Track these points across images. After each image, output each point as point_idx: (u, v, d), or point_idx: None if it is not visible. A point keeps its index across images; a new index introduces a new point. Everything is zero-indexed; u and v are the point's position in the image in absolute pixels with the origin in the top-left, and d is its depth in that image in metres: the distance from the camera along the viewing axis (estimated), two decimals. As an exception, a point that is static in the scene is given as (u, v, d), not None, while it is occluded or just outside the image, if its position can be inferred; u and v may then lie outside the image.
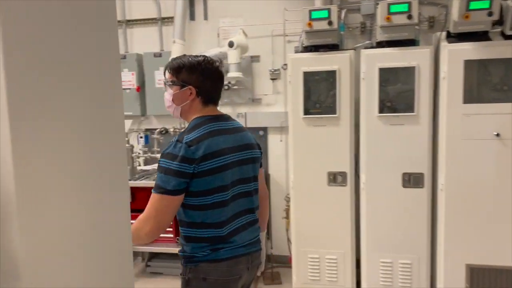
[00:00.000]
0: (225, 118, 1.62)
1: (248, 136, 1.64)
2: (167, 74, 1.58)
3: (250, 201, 1.62)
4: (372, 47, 2.91)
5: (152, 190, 1.46)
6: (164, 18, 3.76)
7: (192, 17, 3.70)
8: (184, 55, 1.61)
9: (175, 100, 1.57)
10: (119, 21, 3.71)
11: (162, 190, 1.43)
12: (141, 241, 1.48)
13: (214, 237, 1.50)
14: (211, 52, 3.24)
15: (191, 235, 1.52)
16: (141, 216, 1.48)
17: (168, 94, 1.58)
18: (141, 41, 3.84)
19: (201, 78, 1.54)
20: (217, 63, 1.59)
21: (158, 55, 3.69)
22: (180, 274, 1.56)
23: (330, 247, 2.97)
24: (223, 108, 3.08)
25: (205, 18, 3.68)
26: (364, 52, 2.80)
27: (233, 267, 1.52)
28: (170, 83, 1.57)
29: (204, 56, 1.58)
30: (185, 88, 1.54)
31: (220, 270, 1.51)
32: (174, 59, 1.59)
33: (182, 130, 1.60)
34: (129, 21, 3.85)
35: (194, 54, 1.60)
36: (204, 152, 1.45)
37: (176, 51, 3.31)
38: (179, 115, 1.61)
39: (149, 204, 1.46)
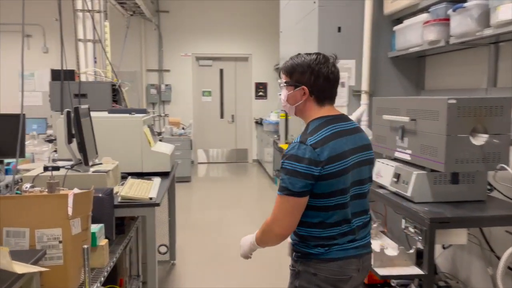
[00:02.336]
0: (344, 118, 1.62)
1: (365, 137, 1.65)
2: (282, 76, 1.63)
3: (364, 203, 1.64)
4: None
5: (278, 192, 1.51)
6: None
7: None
8: (298, 54, 1.62)
9: (289, 100, 1.61)
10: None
11: (288, 192, 1.46)
12: (270, 243, 1.58)
13: (329, 236, 1.53)
14: None
15: (307, 234, 1.55)
16: (269, 219, 1.54)
17: (283, 95, 1.62)
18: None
19: (312, 77, 1.55)
20: (331, 60, 1.58)
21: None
22: (290, 266, 1.63)
23: None
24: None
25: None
26: None
27: (344, 267, 1.54)
28: (285, 84, 1.61)
29: (317, 54, 1.58)
30: (298, 88, 1.57)
31: (331, 268, 1.53)
32: (288, 60, 1.62)
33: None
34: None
35: (309, 52, 1.60)
36: (329, 154, 1.46)
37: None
38: (294, 114, 1.65)
39: (276, 206, 1.51)
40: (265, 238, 1.60)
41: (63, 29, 2.88)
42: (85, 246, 1.62)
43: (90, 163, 2.26)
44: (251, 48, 8.92)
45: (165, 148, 3.09)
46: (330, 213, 1.51)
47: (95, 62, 4.86)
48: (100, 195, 2.06)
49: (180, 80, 8.78)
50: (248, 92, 9.15)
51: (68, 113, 2.21)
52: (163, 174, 2.89)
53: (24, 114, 2.67)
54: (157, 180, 2.64)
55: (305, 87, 1.56)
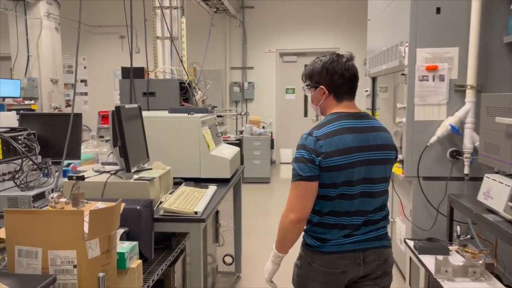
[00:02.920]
0: (360, 116, 1.66)
1: (383, 137, 1.67)
2: (305, 79, 1.74)
3: (376, 202, 1.65)
4: None
5: (291, 180, 1.60)
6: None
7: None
8: (316, 58, 1.71)
9: (313, 100, 1.72)
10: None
11: (299, 177, 1.57)
12: (288, 232, 1.62)
13: (325, 223, 1.62)
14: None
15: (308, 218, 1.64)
16: (284, 209, 1.61)
17: (309, 97, 1.74)
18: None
19: (328, 76, 1.64)
20: (345, 58, 1.65)
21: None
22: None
23: None
24: None
25: None
26: None
27: (335, 261, 1.62)
28: (307, 87, 1.72)
29: (331, 54, 1.67)
30: (318, 89, 1.67)
31: (324, 261, 1.62)
32: (308, 66, 1.73)
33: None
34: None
35: (323, 56, 1.69)
36: (329, 148, 1.55)
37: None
38: (321, 113, 1.75)
39: (290, 193, 1.60)
40: (284, 232, 1.63)
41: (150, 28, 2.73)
42: (101, 275, 1.35)
43: (134, 169, 2.02)
44: (338, 42, 8.33)
45: (227, 151, 2.78)
46: (329, 203, 1.60)
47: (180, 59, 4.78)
48: (138, 207, 1.81)
49: (263, 77, 8.53)
50: (334, 89, 8.57)
51: (113, 113, 1.99)
52: (224, 181, 2.59)
53: (80, 114, 2.57)
54: (212, 189, 2.34)
55: (323, 86, 1.65)
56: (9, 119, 2.23)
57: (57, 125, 2.43)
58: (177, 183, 2.42)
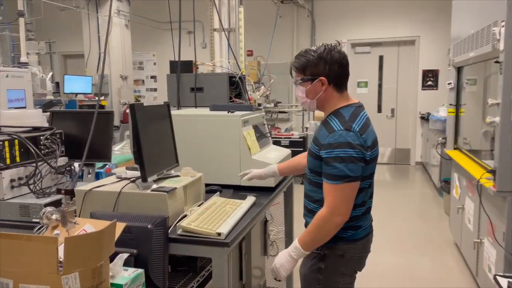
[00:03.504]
0: (363, 106, 1.69)
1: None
2: (294, 74, 1.66)
3: (372, 188, 1.73)
4: None
5: (332, 181, 1.53)
6: None
7: None
8: (305, 50, 1.64)
9: (309, 94, 1.64)
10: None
11: (349, 178, 1.51)
12: (328, 235, 1.58)
13: (356, 216, 1.63)
14: None
15: None
16: (324, 212, 1.55)
17: (300, 91, 1.65)
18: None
19: (327, 66, 1.58)
20: (338, 47, 1.62)
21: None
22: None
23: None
24: None
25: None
26: None
27: (365, 245, 1.71)
28: (300, 81, 1.64)
29: (322, 44, 1.62)
30: (315, 81, 1.60)
31: (357, 247, 1.66)
32: (296, 58, 1.65)
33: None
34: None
35: (312, 48, 1.63)
36: (370, 140, 1.56)
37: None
38: (316, 108, 1.68)
39: (333, 196, 1.54)
40: (322, 234, 1.58)
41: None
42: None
43: (153, 177, 1.73)
44: (419, 30, 7.50)
45: (273, 155, 2.40)
46: (362, 194, 1.62)
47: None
48: (149, 226, 1.51)
49: (333, 70, 7.97)
50: (413, 82, 7.76)
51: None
52: (269, 190, 2.23)
53: (112, 112, 2.35)
54: (249, 200, 1.98)
55: (322, 78, 1.59)
56: (34, 117, 2.06)
57: (90, 124, 2.21)
58: (212, 191, 2.11)
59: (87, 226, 1.23)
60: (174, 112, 2.08)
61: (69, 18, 7.67)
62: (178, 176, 1.92)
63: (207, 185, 2.22)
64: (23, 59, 5.55)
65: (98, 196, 1.69)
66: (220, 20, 4.14)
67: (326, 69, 1.58)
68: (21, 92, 4.97)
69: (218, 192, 2.07)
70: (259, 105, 3.63)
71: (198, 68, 3.37)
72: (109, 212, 1.60)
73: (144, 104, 1.73)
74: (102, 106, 7.00)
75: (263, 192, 2.19)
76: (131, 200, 1.66)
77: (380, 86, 8.03)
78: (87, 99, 6.91)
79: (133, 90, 7.95)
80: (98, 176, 2.35)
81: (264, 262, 3.02)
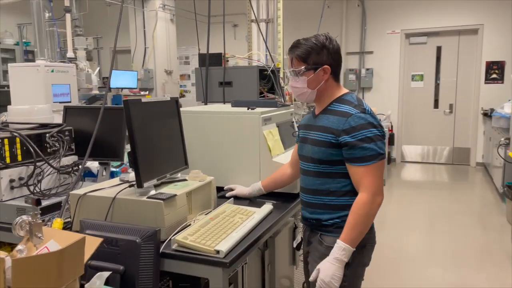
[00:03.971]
0: None
1: None
2: (296, 63, 1.58)
3: None
4: None
5: (365, 163, 1.49)
6: None
7: None
8: (306, 38, 1.58)
9: (310, 84, 1.58)
10: None
11: (381, 156, 1.51)
12: (373, 216, 1.55)
13: None
14: None
15: (342, 203, 1.57)
16: (364, 197, 1.50)
17: (301, 82, 1.58)
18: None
19: (330, 55, 1.56)
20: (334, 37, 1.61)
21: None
22: (320, 243, 1.62)
23: None
24: None
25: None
26: None
27: (375, 233, 1.69)
28: (304, 70, 1.56)
29: (321, 34, 1.58)
30: (318, 70, 1.56)
31: (372, 236, 1.66)
32: (295, 47, 1.58)
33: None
34: None
35: (308, 37, 1.59)
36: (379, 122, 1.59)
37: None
38: (313, 99, 1.63)
39: (371, 177, 1.50)
40: (368, 221, 1.54)
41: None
42: None
43: (149, 183, 1.55)
44: (482, 17, 6.80)
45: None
46: None
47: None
48: (137, 240, 1.32)
49: (384, 62, 7.47)
50: (475, 75, 7.07)
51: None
52: (292, 196, 1.98)
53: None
54: (265, 209, 1.75)
55: (326, 67, 1.56)
56: (43, 114, 1.96)
57: (106, 120, 2.07)
58: (226, 197, 1.90)
59: (51, 242, 1.06)
60: (184, 109, 1.89)
61: (116, 13, 7.81)
62: (185, 180, 1.73)
63: (222, 189, 2.02)
64: (69, 54, 5.68)
65: (92, 201, 1.53)
66: (253, 10, 3.91)
67: (330, 58, 1.55)
68: (66, 86, 5.05)
69: (232, 199, 1.85)
70: (294, 100, 3.36)
71: (228, 61, 3.17)
72: (98, 221, 1.44)
73: (143, 100, 1.55)
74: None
75: (286, 198, 1.95)
76: (126, 208, 1.49)
77: (437, 79, 7.40)
78: (132, 94, 6.98)
79: (179, 84, 7.94)
80: (113, 176, 2.23)
81: (293, 272, 2.78)
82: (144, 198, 1.47)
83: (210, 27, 3.35)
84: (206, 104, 3.04)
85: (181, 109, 2.05)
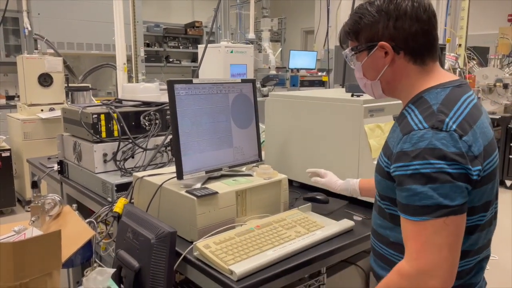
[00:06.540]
0: (468, 85, 1.02)
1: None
2: (349, 43, 1.07)
3: (495, 226, 1.04)
4: None
5: (413, 217, 0.89)
6: None
7: None
8: (360, 5, 1.04)
9: (366, 73, 1.06)
10: None
11: (442, 211, 0.86)
12: None
13: (462, 271, 0.97)
14: None
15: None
16: (407, 266, 0.89)
17: (357, 70, 1.08)
18: None
19: (391, 23, 0.97)
20: None
21: None
22: None
23: None
24: None
25: None
26: None
27: None
28: (353, 53, 1.05)
29: None
30: (374, 50, 1.00)
31: None
32: (348, 19, 1.06)
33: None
34: None
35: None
36: (483, 143, 0.92)
37: None
38: (384, 94, 1.08)
39: (419, 243, 0.88)
40: None
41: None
42: None
43: (197, 175, 1.37)
44: None
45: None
46: (469, 237, 0.96)
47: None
48: (152, 239, 1.19)
49: None
50: None
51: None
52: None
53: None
54: (337, 226, 1.35)
55: (383, 43, 0.98)
56: (148, 91, 2.01)
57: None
58: (312, 199, 1.57)
59: (30, 230, 1.01)
60: (273, 92, 1.62)
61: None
62: (249, 175, 1.49)
63: (310, 190, 1.69)
64: (250, 35, 5.96)
65: (146, 185, 1.47)
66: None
67: (390, 28, 0.97)
68: (243, 67, 5.33)
69: (310, 204, 1.52)
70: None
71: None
72: (136, 209, 1.36)
73: (195, 81, 1.37)
74: (322, 83, 6.87)
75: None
76: (169, 199, 1.36)
77: None
78: (308, 75, 6.91)
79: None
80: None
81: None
82: (182, 192, 1.31)
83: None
84: (343, 86, 2.66)
85: (270, 93, 1.79)
